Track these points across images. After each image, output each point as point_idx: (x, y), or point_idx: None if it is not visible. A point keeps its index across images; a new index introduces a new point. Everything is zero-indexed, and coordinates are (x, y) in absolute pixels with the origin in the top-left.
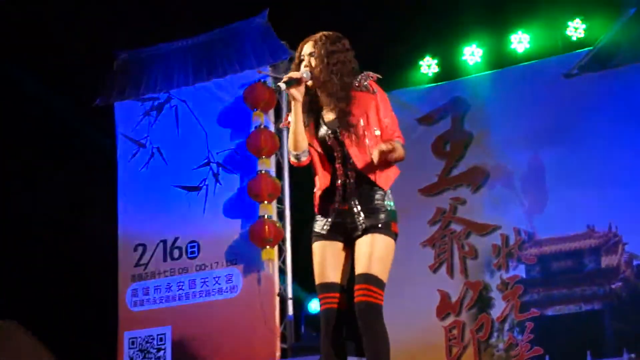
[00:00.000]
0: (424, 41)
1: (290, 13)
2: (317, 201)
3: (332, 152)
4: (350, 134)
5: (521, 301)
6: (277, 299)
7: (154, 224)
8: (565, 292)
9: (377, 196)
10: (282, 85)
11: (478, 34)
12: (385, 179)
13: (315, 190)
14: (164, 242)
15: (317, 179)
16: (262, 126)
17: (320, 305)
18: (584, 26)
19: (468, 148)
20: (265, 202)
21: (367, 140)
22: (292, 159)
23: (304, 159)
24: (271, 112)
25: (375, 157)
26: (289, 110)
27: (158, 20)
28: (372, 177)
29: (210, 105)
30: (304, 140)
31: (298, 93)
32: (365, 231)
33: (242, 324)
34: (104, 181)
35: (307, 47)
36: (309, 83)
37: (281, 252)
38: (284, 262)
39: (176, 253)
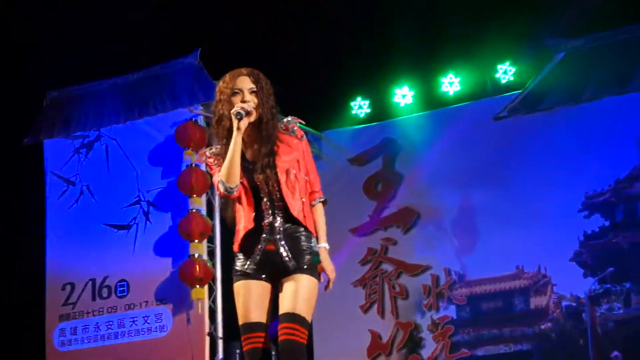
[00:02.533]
0: (355, 82)
1: (222, 53)
2: (239, 239)
3: (259, 191)
4: (282, 176)
5: (451, 341)
6: (207, 338)
7: (83, 262)
8: (495, 333)
9: (303, 238)
10: (242, 112)
11: (409, 76)
12: (311, 224)
13: (237, 227)
14: (93, 280)
15: (239, 215)
16: (193, 165)
17: (245, 345)
18: (513, 69)
19: (399, 189)
20: (196, 241)
21: (298, 184)
22: (223, 191)
23: (235, 192)
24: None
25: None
26: (210, 145)
27: (89, 58)
28: (301, 220)
29: (141, 144)
30: (238, 173)
31: (243, 124)
32: (291, 272)
33: None
34: (32, 219)
35: (245, 82)
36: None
37: (212, 291)
38: (214, 301)
39: (105, 292)
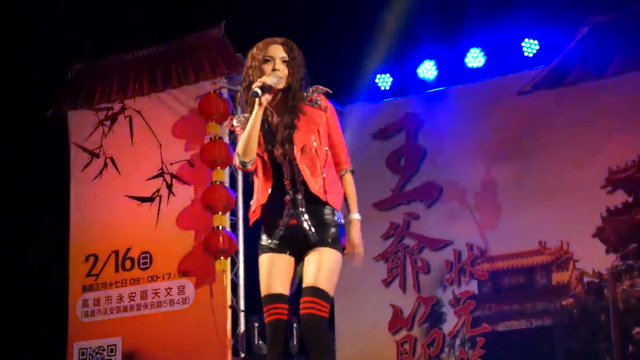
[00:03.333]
0: (379, 56)
1: (247, 25)
2: (259, 213)
3: (281, 167)
4: (298, 153)
5: (473, 316)
6: (229, 311)
7: (106, 234)
8: (516, 308)
9: (327, 211)
10: (258, 91)
11: (433, 51)
12: (335, 197)
13: (256, 201)
14: (116, 252)
15: (259, 189)
16: (216, 137)
17: (267, 317)
18: (538, 44)
19: (422, 164)
20: (220, 213)
21: (318, 159)
22: (237, 164)
23: (250, 166)
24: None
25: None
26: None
27: (113, 31)
28: (321, 196)
29: (165, 116)
30: (255, 148)
31: (265, 99)
32: (314, 245)
33: (193, 335)
34: (55, 190)
35: (278, 50)
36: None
37: (234, 264)
38: (236, 274)
39: (128, 264)
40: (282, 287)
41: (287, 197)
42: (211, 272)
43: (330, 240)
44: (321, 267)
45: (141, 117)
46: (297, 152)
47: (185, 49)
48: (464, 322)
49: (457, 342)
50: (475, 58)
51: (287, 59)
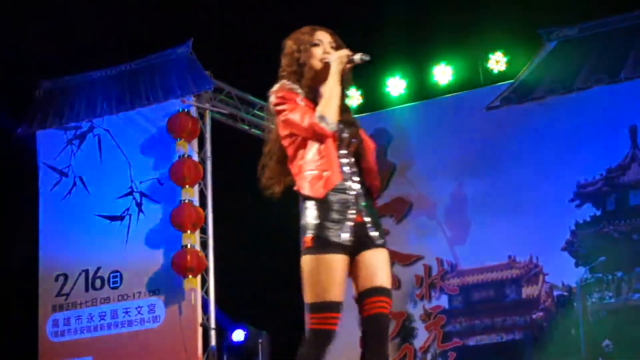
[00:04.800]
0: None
1: (214, 43)
2: (332, 185)
3: (347, 157)
4: (361, 144)
5: (443, 331)
6: (200, 329)
7: (76, 253)
8: (487, 322)
9: (375, 210)
10: (357, 57)
11: (401, 66)
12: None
13: (327, 174)
14: (86, 272)
15: (327, 164)
16: (185, 155)
17: (324, 324)
18: (505, 59)
19: (391, 179)
20: (188, 231)
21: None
22: (323, 126)
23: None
24: (194, 142)
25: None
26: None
27: (82, 50)
28: (375, 191)
29: (134, 135)
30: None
31: (343, 70)
32: (375, 246)
33: (164, 354)
34: (24, 210)
35: (325, 36)
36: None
37: (204, 281)
38: (206, 292)
39: (98, 283)
40: (340, 294)
41: (353, 193)
42: (181, 290)
43: (385, 240)
44: (386, 267)
45: (110, 135)
46: (364, 137)
47: (154, 68)
48: (435, 337)
49: (429, 357)
50: (442, 73)
51: (334, 45)
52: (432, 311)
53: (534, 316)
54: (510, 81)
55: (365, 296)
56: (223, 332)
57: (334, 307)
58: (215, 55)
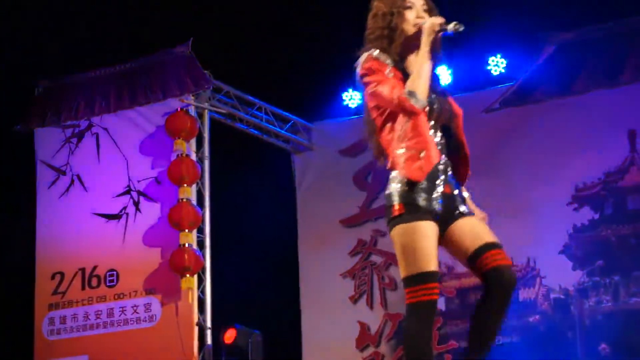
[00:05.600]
0: (346, 73)
1: (214, 43)
2: (430, 167)
3: (436, 128)
4: (452, 115)
5: (440, 333)
6: (196, 328)
7: (73, 251)
8: None
9: (460, 185)
10: (450, 26)
11: None
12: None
13: (412, 152)
14: (83, 270)
15: (417, 140)
16: (183, 155)
17: (427, 295)
18: (504, 62)
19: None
20: (186, 230)
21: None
22: (413, 103)
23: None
24: (193, 141)
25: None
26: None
27: (81, 48)
28: (464, 165)
29: (132, 134)
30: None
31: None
32: (464, 215)
33: (160, 353)
34: (22, 209)
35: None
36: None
37: (201, 281)
38: (203, 291)
39: (94, 281)
40: (437, 264)
41: (441, 160)
42: (178, 289)
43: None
44: (489, 230)
45: (108, 134)
46: (455, 108)
47: (153, 67)
48: None
49: None
50: (442, 75)
51: (427, 8)
52: None
53: (530, 319)
54: (510, 84)
55: (482, 252)
56: (219, 332)
57: (435, 276)
58: (215, 54)
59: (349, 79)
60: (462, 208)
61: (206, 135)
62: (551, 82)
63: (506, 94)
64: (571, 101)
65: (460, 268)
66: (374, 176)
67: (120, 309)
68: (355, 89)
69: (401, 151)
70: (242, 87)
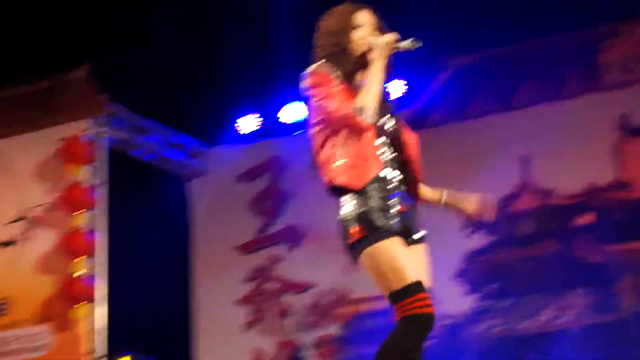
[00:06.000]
0: (244, 98)
1: (111, 67)
2: (372, 176)
3: (386, 146)
4: (400, 134)
5: None
6: (89, 357)
7: None
8: None
9: (415, 206)
10: (405, 44)
11: (298, 93)
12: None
13: (368, 164)
14: None
15: (366, 155)
16: (78, 181)
17: (423, 307)
18: (401, 86)
19: (286, 206)
20: (80, 258)
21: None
22: (363, 118)
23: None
24: (88, 167)
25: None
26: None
27: None
28: (415, 187)
29: (26, 159)
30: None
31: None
32: (415, 242)
33: None
34: None
35: (368, 16)
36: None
37: (94, 309)
38: (98, 319)
39: None
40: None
41: (392, 177)
42: (70, 318)
43: (424, 237)
44: (428, 267)
45: (1, 159)
46: (405, 128)
47: (48, 91)
48: None
49: None
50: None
51: (377, 27)
52: (323, 340)
53: (425, 344)
54: (408, 107)
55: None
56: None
57: (420, 285)
58: (111, 79)
59: (245, 104)
60: (415, 233)
61: (102, 160)
62: (447, 106)
63: (404, 117)
64: (466, 125)
65: (355, 294)
66: (271, 201)
67: (12, 338)
68: (303, 100)
69: (341, 162)
70: (138, 112)
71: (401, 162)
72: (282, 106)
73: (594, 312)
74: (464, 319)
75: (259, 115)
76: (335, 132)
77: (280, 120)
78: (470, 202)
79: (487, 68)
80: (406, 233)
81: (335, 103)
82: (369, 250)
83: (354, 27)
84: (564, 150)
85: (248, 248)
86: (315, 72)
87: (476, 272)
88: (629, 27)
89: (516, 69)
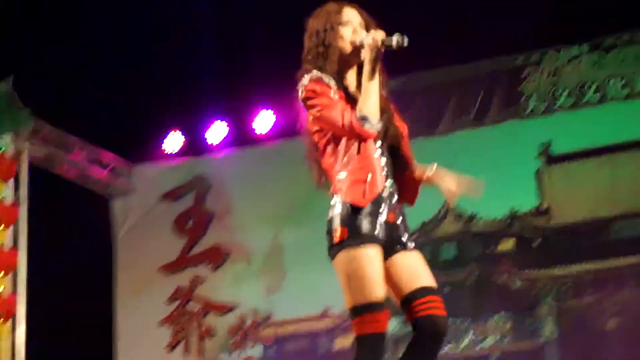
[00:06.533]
0: (169, 116)
1: (37, 81)
2: (370, 193)
3: (381, 149)
4: (398, 136)
5: None
6: None
7: None
8: None
9: (404, 213)
10: (393, 41)
11: (224, 112)
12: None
13: (356, 176)
14: None
15: (359, 165)
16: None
17: (380, 327)
18: None
19: (210, 226)
20: (1, 275)
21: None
22: (367, 128)
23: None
24: (10, 182)
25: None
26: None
27: None
28: (409, 190)
29: None
30: None
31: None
32: (407, 249)
33: None
34: None
35: (354, 14)
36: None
37: (15, 327)
38: (17, 339)
39: None
40: (384, 292)
41: (386, 193)
42: None
43: (415, 244)
44: (428, 269)
45: None
46: (402, 130)
47: None
48: None
49: None
50: (264, 121)
51: (365, 25)
52: None
53: None
54: None
55: (415, 297)
56: None
57: (381, 306)
58: (36, 93)
59: (170, 121)
60: (405, 240)
61: (23, 176)
62: None
63: None
64: None
65: (279, 315)
66: (195, 221)
67: None
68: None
69: (344, 175)
70: (62, 127)
71: (396, 166)
72: (207, 125)
73: (514, 337)
74: (389, 341)
75: (182, 133)
76: (334, 140)
77: (205, 139)
78: (456, 182)
79: (410, 93)
80: (391, 243)
81: (338, 113)
82: (347, 253)
83: (339, 25)
84: (486, 177)
85: (171, 268)
86: (310, 82)
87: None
88: (549, 56)
89: (438, 94)
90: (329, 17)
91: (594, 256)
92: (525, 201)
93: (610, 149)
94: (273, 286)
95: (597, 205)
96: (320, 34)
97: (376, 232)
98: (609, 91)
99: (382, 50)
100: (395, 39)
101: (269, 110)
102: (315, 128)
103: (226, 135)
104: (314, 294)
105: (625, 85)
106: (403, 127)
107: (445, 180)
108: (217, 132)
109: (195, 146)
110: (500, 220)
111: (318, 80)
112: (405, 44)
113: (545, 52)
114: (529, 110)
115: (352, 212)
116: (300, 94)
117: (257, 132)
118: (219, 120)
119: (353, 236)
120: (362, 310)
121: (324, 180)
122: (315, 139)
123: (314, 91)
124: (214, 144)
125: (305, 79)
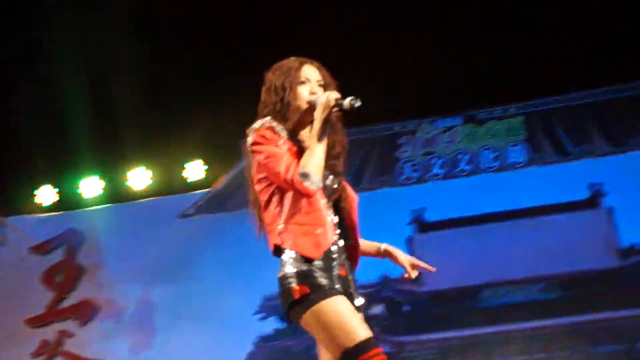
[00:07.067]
0: (42, 169)
1: None
2: (320, 245)
3: (329, 207)
4: (344, 196)
5: None
6: None
7: None
8: None
9: (354, 270)
10: (345, 102)
11: (98, 167)
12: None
13: (320, 231)
14: None
15: (308, 217)
16: None
17: None
18: (205, 167)
19: (80, 280)
20: None
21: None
22: (308, 184)
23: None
24: None
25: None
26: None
27: None
28: (356, 250)
29: None
30: None
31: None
32: (358, 308)
33: None
34: None
35: (313, 72)
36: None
37: None
38: None
39: None
40: (368, 330)
41: (335, 248)
42: None
43: (363, 304)
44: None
45: None
46: (347, 188)
47: None
48: None
49: None
50: (139, 177)
51: (323, 83)
52: None
53: None
54: (207, 190)
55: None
56: None
57: (372, 342)
58: None
59: (44, 174)
60: (355, 300)
61: None
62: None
63: (202, 200)
64: None
65: None
66: (64, 276)
67: None
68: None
69: (293, 227)
70: None
71: (343, 225)
72: (80, 179)
73: None
74: None
75: (55, 187)
76: (279, 191)
77: (80, 192)
78: (406, 260)
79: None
80: (346, 297)
81: (282, 166)
82: (315, 309)
83: (298, 84)
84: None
85: (37, 322)
86: (261, 128)
87: (268, 357)
88: (424, 126)
89: (364, 150)
90: (288, 73)
91: (461, 323)
92: (397, 267)
93: (480, 218)
94: (142, 343)
95: (465, 273)
96: (279, 91)
97: (336, 285)
98: (482, 162)
99: (334, 110)
100: (348, 101)
101: (144, 167)
102: (260, 176)
103: (101, 191)
104: (183, 353)
105: (497, 158)
106: (352, 195)
107: (402, 255)
108: (91, 186)
109: (69, 200)
110: (371, 285)
111: (270, 128)
112: (357, 105)
113: (420, 122)
114: (403, 177)
115: (306, 268)
116: (250, 137)
117: (132, 188)
118: (94, 175)
119: (313, 290)
120: (356, 352)
121: (262, 232)
122: (260, 188)
123: (264, 137)
124: (88, 199)
125: (258, 123)
